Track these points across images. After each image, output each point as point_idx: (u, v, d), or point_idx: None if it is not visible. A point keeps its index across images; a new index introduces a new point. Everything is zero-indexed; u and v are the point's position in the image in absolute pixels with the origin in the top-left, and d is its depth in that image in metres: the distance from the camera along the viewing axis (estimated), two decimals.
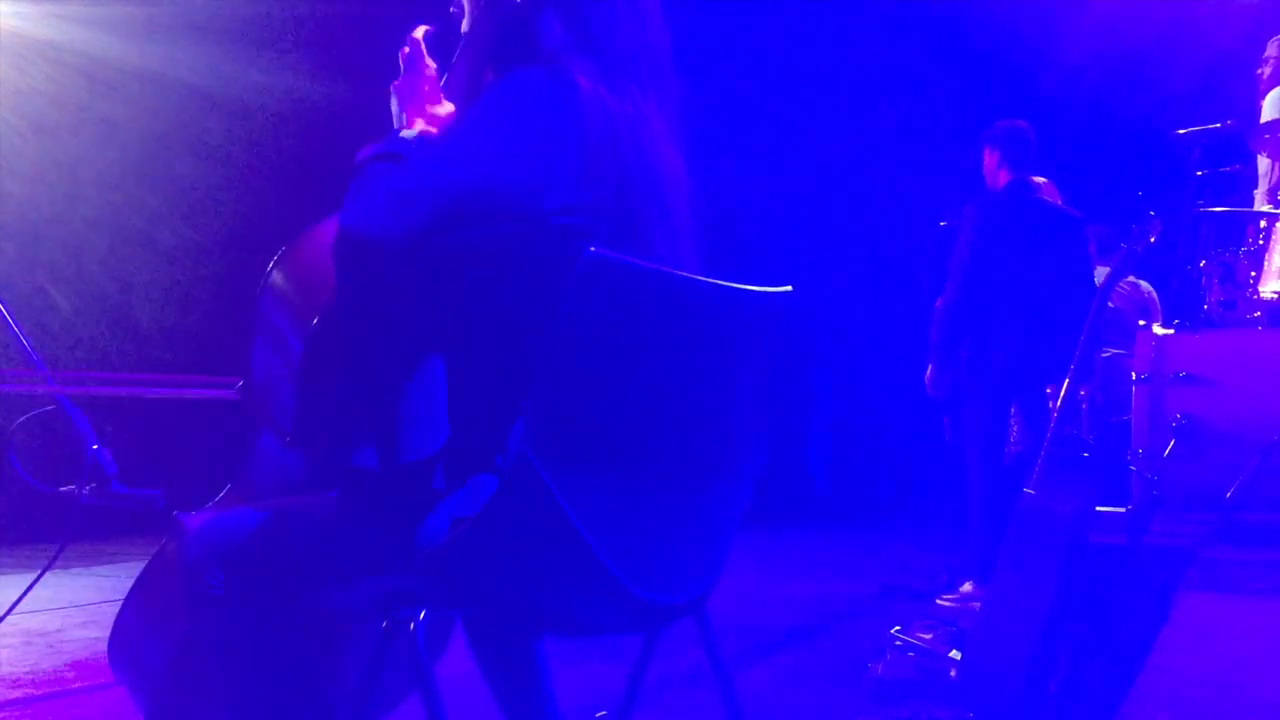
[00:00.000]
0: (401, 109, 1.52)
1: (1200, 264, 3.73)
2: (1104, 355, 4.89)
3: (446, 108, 1.54)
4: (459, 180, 1.34)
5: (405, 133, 1.50)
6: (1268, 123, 3.79)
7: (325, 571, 1.37)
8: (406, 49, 1.54)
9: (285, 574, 1.37)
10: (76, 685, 2.85)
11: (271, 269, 1.59)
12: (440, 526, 1.36)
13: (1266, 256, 3.51)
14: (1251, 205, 3.99)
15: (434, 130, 1.51)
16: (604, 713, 2.44)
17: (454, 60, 1.56)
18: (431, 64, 1.54)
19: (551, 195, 1.34)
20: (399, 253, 1.33)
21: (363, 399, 1.42)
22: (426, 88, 1.52)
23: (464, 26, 1.57)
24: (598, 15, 1.46)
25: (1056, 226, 4.30)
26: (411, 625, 1.32)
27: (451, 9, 1.58)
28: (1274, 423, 2.95)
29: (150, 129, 6.63)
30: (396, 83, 1.54)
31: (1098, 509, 2.74)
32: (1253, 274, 3.54)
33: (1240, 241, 3.67)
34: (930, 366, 4.31)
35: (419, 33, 1.55)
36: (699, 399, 1.40)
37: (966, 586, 4.08)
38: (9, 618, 2.92)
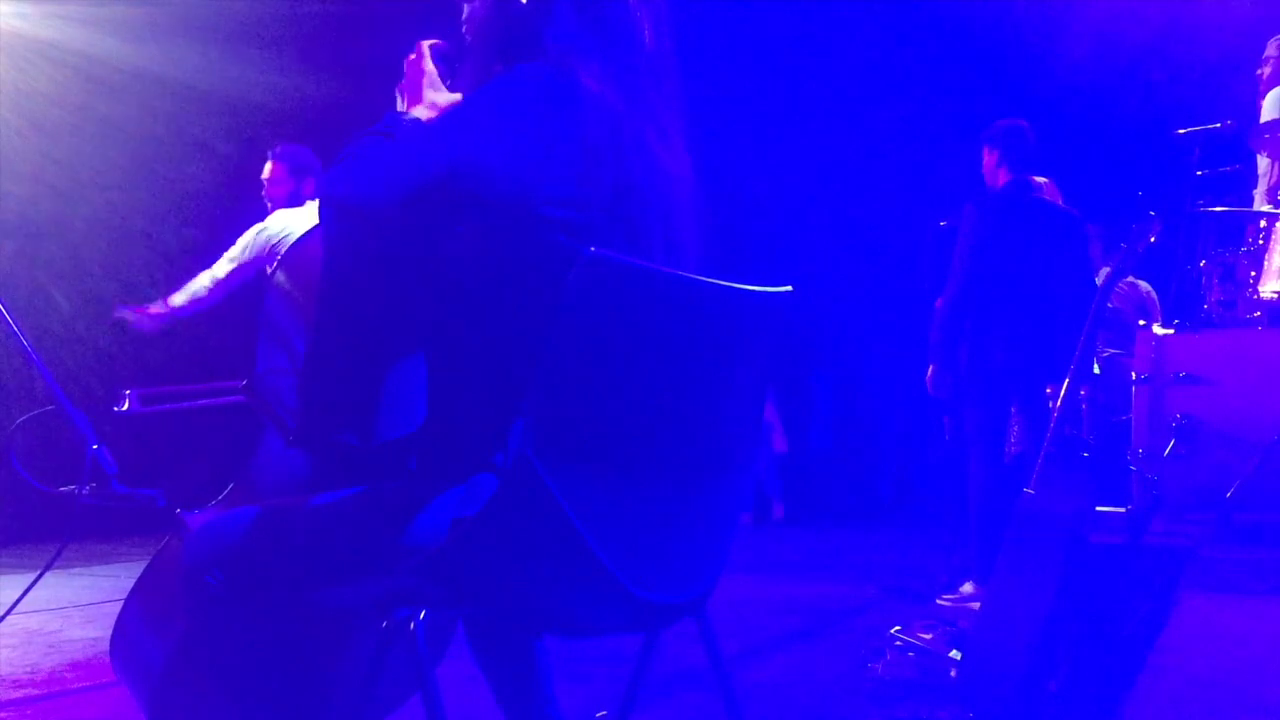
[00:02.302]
0: (404, 100, 1.54)
1: (1200, 264, 3.73)
2: (1104, 355, 4.89)
3: (447, 96, 1.54)
4: (443, 154, 1.34)
5: (401, 111, 1.51)
6: (1268, 123, 3.79)
7: (326, 571, 1.37)
8: (412, 55, 1.55)
9: (286, 573, 1.37)
10: (76, 685, 2.85)
11: (275, 269, 1.60)
12: (440, 526, 1.36)
13: (1266, 256, 3.51)
14: (1251, 205, 3.99)
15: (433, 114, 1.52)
16: (604, 713, 2.44)
17: (462, 58, 1.56)
18: (433, 67, 1.55)
19: (544, 186, 1.34)
20: (375, 217, 1.34)
21: (363, 396, 1.42)
22: (428, 86, 1.53)
23: (465, 21, 1.58)
24: (604, 16, 1.46)
25: (1056, 226, 4.30)
26: (411, 625, 1.32)
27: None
28: (1274, 423, 2.96)
29: (150, 129, 6.64)
30: (401, 84, 1.55)
31: (1098, 509, 2.74)
32: (1253, 274, 3.54)
33: (1240, 241, 3.67)
34: (930, 366, 4.31)
35: (426, 44, 1.56)
36: (699, 399, 1.40)
37: (966, 586, 4.08)
38: (9, 618, 2.92)
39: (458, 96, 1.54)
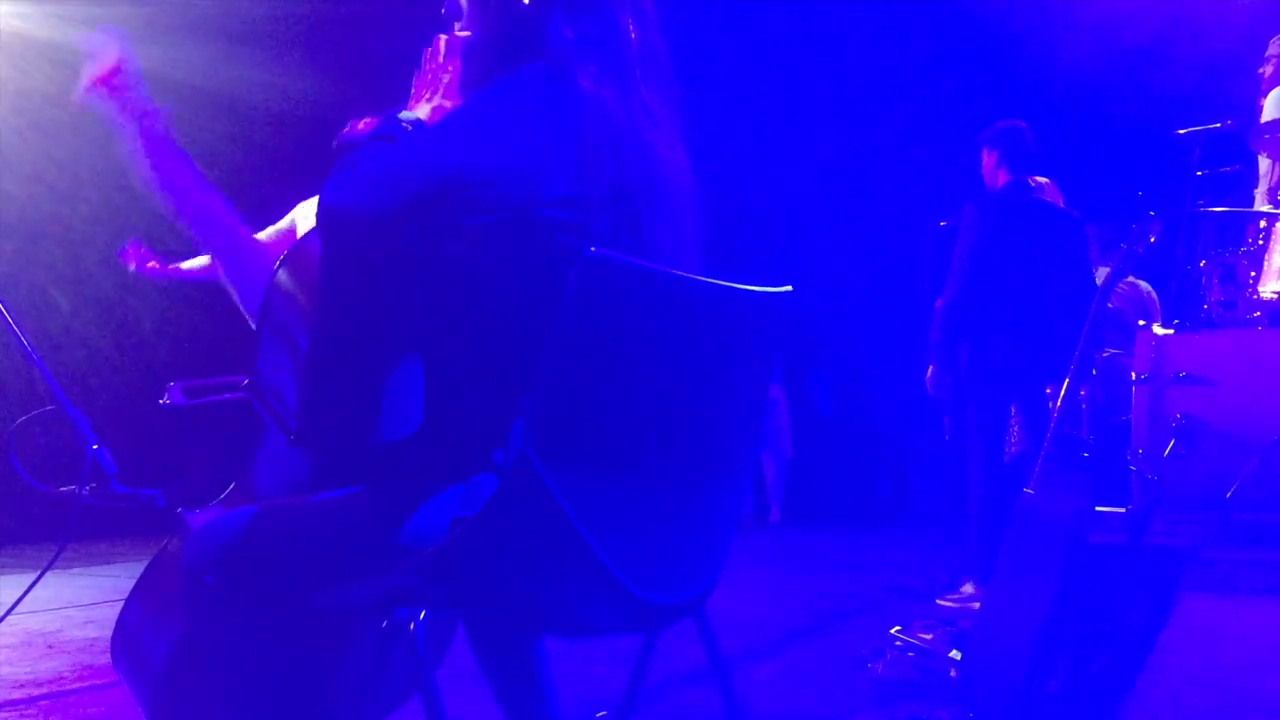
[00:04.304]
0: (414, 94, 1.54)
1: (1200, 264, 3.73)
2: (1104, 355, 4.89)
3: (446, 103, 1.55)
4: (443, 160, 1.34)
5: (404, 114, 1.51)
6: (1268, 123, 3.79)
7: (327, 571, 1.37)
8: (431, 49, 1.55)
9: (287, 574, 1.37)
10: (76, 685, 2.85)
11: (277, 268, 1.60)
12: (440, 526, 1.36)
13: (1266, 256, 3.51)
14: (1251, 205, 3.99)
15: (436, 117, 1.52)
16: (604, 713, 2.44)
17: (461, 60, 1.56)
18: (453, 66, 1.55)
19: (544, 188, 1.34)
20: (376, 228, 1.33)
21: (364, 395, 1.42)
22: (445, 81, 1.54)
23: (459, 27, 1.58)
24: (604, 18, 1.46)
25: (1055, 226, 4.30)
26: (411, 625, 1.32)
27: (444, 10, 1.59)
28: (1274, 423, 2.95)
29: None
30: (418, 74, 1.55)
31: (1098, 509, 2.74)
32: (1253, 274, 3.53)
33: (1240, 241, 3.67)
34: (930, 366, 4.31)
35: (445, 39, 1.56)
36: (699, 399, 1.40)
37: (967, 587, 4.08)
38: (9, 618, 2.92)
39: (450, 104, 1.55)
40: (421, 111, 1.53)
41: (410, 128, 1.49)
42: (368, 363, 1.42)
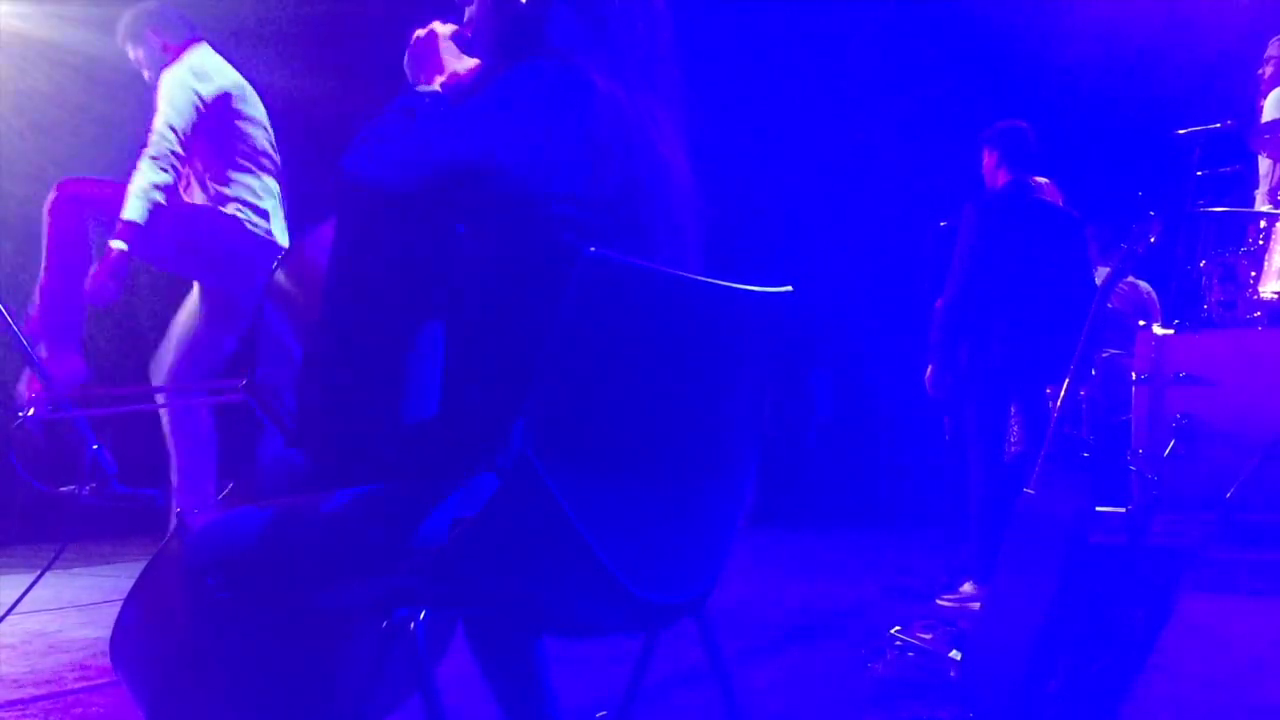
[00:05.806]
0: (418, 72, 1.54)
1: (1200, 264, 3.73)
2: (1104, 355, 4.89)
3: (467, 62, 1.55)
4: (459, 147, 1.34)
5: (423, 88, 1.51)
6: (1268, 123, 3.79)
7: (326, 572, 1.37)
8: (422, 32, 1.56)
9: (286, 574, 1.37)
10: (76, 685, 2.85)
11: (275, 269, 1.60)
12: (440, 527, 1.36)
13: (1266, 256, 3.52)
14: (1251, 205, 3.99)
15: (454, 83, 1.52)
16: (604, 713, 2.44)
17: (462, 50, 1.56)
18: (449, 41, 1.55)
19: (552, 184, 1.34)
20: (392, 202, 1.35)
21: (362, 397, 1.42)
22: (446, 51, 1.54)
23: (468, 15, 1.58)
24: (607, 13, 1.46)
25: (1055, 226, 4.30)
26: (411, 625, 1.32)
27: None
28: (1274, 423, 2.96)
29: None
30: (413, 58, 1.56)
31: (1098, 509, 2.74)
32: (1253, 274, 3.54)
33: (1240, 241, 3.67)
34: (930, 366, 4.31)
35: (440, 26, 1.56)
36: (699, 399, 1.40)
37: (966, 586, 4.08)
38: (9, 618, 2.92)
39: (476, 61, 1.55)
40: (436, 84, 1.53)
41: (429, 99, 1.49)
42: (371, 355, 1.42)
